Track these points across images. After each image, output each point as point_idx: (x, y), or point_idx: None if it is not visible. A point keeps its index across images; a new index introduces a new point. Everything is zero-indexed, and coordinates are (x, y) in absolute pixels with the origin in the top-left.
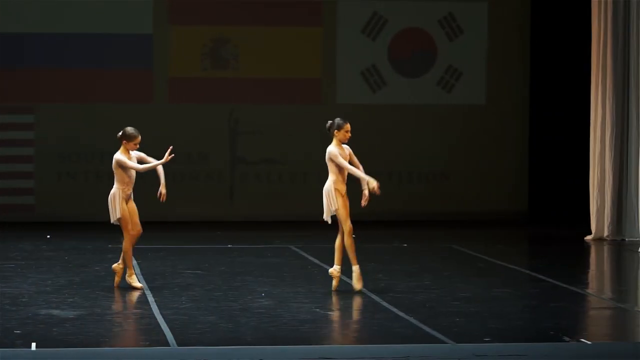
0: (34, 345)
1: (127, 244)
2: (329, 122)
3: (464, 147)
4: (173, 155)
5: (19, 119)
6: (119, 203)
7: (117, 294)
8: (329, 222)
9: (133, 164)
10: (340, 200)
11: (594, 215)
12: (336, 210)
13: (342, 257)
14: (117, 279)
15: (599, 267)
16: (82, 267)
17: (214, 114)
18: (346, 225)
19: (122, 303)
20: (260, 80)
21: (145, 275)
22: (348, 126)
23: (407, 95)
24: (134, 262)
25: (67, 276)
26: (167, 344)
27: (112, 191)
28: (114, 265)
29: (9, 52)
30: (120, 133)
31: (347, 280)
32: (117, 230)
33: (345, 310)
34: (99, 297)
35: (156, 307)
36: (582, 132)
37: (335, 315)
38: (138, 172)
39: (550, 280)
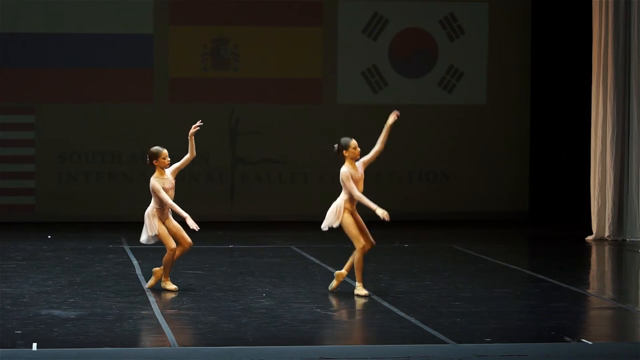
0: (35, 345)
1: (167, 257)
2: (335, 145)
3: (465, 147)
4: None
5: (20, 119)
6: (152, 220)
7: (117, 293)
8: (325, 229)
9: (164, 195)
10: (348, 218)
11: (595, 216)
12: (344, 228)
13: (361, 275)
14: (152, 281)
15: (599, 267)
16: (83, 268)
17: (215, 114)
18: (358, 242)
19: (123, 303)
20: (261, 81)
21: (147, 276)
22: (354, 142)
23: (408, 95)
24: (135, 261)
25: (67, 276)
26: (167, 344)
27: (147, 210)
28: (155, 269)
29: (9, 51)
30: (147, 157)
31: (350, 281)
32: (118, 230)
33: (346, 310)
34: (99, 298)
35: (157, 308)
36: (582, 132)
37: (336, 315)
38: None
39: (551, 280)
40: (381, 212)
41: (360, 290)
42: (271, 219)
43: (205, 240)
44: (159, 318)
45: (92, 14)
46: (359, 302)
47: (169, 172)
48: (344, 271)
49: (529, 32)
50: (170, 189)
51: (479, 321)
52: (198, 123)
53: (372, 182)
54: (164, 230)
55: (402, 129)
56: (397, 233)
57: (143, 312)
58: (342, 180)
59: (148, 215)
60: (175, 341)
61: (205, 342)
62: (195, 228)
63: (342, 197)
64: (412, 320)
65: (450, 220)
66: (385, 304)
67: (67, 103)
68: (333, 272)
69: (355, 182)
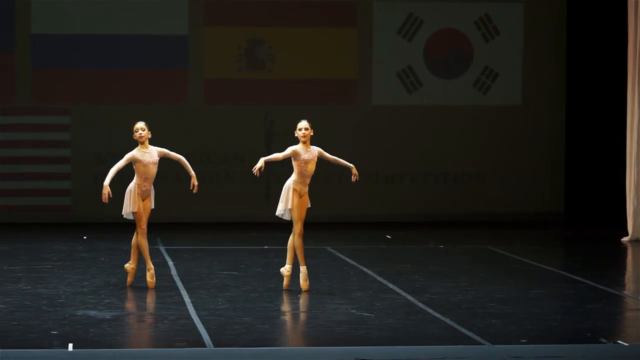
0: (71, 346)
1: (141, 240)
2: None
3: (500, 148)
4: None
5: (55, 120)
6: (134, 197)
7: (153, 294)
8: (284, 218)
9: (118, 164)
10: (296, 200)
11: (631, 216)
12: (290, 209)
13: (293, 256)
14: (129, 279)
15: (635, 268)
16: (119, 268)
17: (250, 115)
18: (297, 226)
19: (158, 304)
20: (296, 81)
21: (182, 276)
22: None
23: (443, 96)
24: (170, 262)
25: (103, 277)
26: (203, 344)
27: (129, 185)
28: (126, 265)
29: (45, 53)
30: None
31: (386, 282)
32: (153, 231)
33: (381, 311)
34: (135, 298)
35: (192, 308)
36: (618, 132)
37: (371, 316)
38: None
39: (587, 281)
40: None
41: (303, 272)
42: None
43: (240, 240)
44: (194, 318)
45: (127, 15)
46: (394, 302)
47: (156, 150)
48: (288, 266)
49: (564, 32)
50: (150, 163)
51: (515, 322)
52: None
53: (408, 183)
54: (140, 209)
55: (437, 130)
56: (432, 234)
57: (178, 312)
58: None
59: (130, 190)
60: (210, 342)
61: (241, 343)
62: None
63: (291, 178)
64: (448, 321)
65: (485, 221)
66: (421, 305)
67: (102, 104)
68: (367, 273)
69: (306, 162)
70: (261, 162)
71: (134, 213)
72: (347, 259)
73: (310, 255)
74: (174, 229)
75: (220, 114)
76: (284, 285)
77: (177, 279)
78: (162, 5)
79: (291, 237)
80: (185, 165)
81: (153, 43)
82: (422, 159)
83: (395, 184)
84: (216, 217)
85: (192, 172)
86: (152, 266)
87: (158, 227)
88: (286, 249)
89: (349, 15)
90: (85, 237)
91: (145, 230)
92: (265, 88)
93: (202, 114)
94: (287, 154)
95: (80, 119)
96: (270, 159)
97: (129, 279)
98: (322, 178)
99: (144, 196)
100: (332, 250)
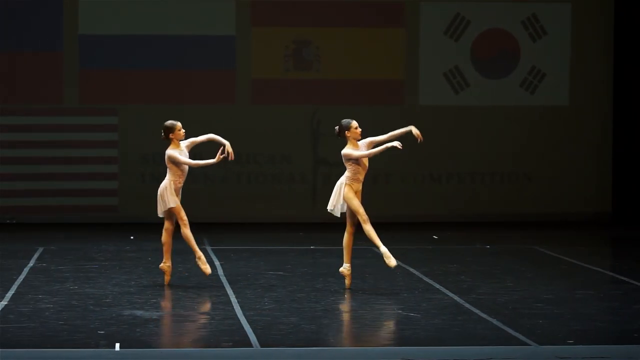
0: (117, 345)
1: (186, 232)
2: (336, 127)
3: (547, 148)
4: (225, 155)
5: (103, 120)
6: (170, 195)
7: (199, 294)
8: (336, 214)
9: (185, 159)
10: (351, 193)
11: None
12: (347, 200)
13: (350, 254)
14: (167, 277)
15: None
16: None
17: (297, 115)
18: (359, 215)
19: (204, 304)
20: (343, 82)
21: (228, 276)
22: (355, 123)
23: (490, 96)
24: (217, 262)
25: (150, 277)
26: (249, 344)
27: (162, 184)
28: (161, 265)
29: (92, 53)
30: (162, 132)
31: (427, 280)
32: (199, 231)
33: (428, 311)
34: (181, 298)
35: (239, 308)
36: None
37: (417, 316)
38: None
39: (634, 282)
40: (415, 131)
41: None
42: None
43: (287, 241)
44: (240, 319)
45: (174, 16)
46: (441, 303)
47: (184, 145)
48: (347, 265)
49: (612, 32)
50: (184, 162)
51: (561, 323)
52: (220, 150)
53: (455, 183)
54: (179, 203)
55: (484, 130)
56: (479, 234)
57: (225, 312)
58: (347, 155)
59: (165, 188)
60: (257, 342)
61: (287, 343)
62: (222, 155)
63: (345, 176)
64: (494, 321)
65: (532, 222)
66: (467, 305)
67: (150, 104)
68: (413, 273)
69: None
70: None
71: (172, 208)
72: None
73: (356, 255)
74: (221, 229)
75: (267, 114)
76: (346, 285)
77: (223, 279)
78: (209, 5)
79: (346, 234)
80: (216, 139)
81: (200, 43)
82: (468, 159)
83: (442, 184)
84: (263, 218)
85: (224, 141)
86: (201, 254)
87: (205, 227)
88: (341, 248)
89: (395, 16)
90: (132, 237)
91: (187, 220)
92: (312, 88)
93: (249, 115)
94: (359, 153)
95: (128, 119)
96: (376, 151)
97: (167, 278)
98: (370, 178)
99: (177, 193)
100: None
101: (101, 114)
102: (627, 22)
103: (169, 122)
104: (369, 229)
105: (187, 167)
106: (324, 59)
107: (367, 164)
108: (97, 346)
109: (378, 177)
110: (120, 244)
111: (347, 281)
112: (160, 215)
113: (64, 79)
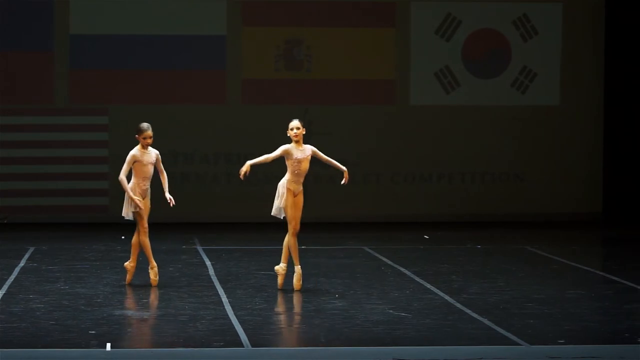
0: (108, 345)
1: (142, 237)
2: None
3: (538, 148)
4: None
5: (94, 120)
6: (136, 198)
7: (190, 294)
8: (280, 217)
9: (125, 166)
10: (290, 199)
11: None
12: (284, 208)
13: (288, 255)
14: (128, 277)
15: None
16: (158, 268)
17: (288, 115)
18: (290, 225)
19: (196, 304)
20: (334, 82)
21: (219, 276)
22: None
23: (481, 96)
24: (208, 262)
25: (141, 277)
26: (241, 344)
27: (129, 185)
28: (126, 264)
29: (84, 53)
30: (135, 131)
31: (420, 279)
32: (191, 231)
33: (419, 311)
34: (172, 298)
35: (230, 308)
36: None
37: (408, 316)
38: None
39: (625, 282)
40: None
41: (298, 272)
42: (344, 219)
43: (276, 241)
44: (231, 318)
45: (165, 16)
46: (432, 302)
47: (154, 152)
48: (283, 265)
49: (603, 32)
50: (149, 163)
51: (552, 323)
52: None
53: (445, 183)
54: (143, 208)
55: (475, 130)
56: (470, 234)
57: (216, 312)
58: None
59: (131, 190)
60: (248, 342)
61: (278, 343)
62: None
63: (285, 177)
64: (485, 321)
65: (523, 222)
66: (459, 305)
67: (141, 104)
68: (404, 273)
69: (300, 161)
70: (246, 166)
71: (135, 212)
72: (385, 259)
73: (347, 255)
74: (212, 229)
75: (258, 114)
76: (278, 284)
77: (214, 279)
78: (200, 5)
79: (287, 236)
80: (165, 186)
81: (191, 43)
82: (459, 159)
83: (433, 183)
84: (254, 218)
85: (166, 192)
86: (155, 264)
87: (196, 227)
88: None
89: (387, 16)
90: (123, 237)
91: (147, 228)
92: (303, 88)
93: (240, 115)
94: (278, 154)
95: (118, 119)
96: (259, 161)
97: (128, 277)
98: (361, 178)
99: (143, 195)
100: (370, 250)
101: (92, 113)
102: (618, 22)
103: (144, 124)
104: (293, 242)
105: (149, 169)
106: (315, 59)
107: (306, 166)
108: (88, 346)
109: (368, 176)
110: (111, 244)
111: (279, 280)
112: (124, 217)
113: (54, 78)
